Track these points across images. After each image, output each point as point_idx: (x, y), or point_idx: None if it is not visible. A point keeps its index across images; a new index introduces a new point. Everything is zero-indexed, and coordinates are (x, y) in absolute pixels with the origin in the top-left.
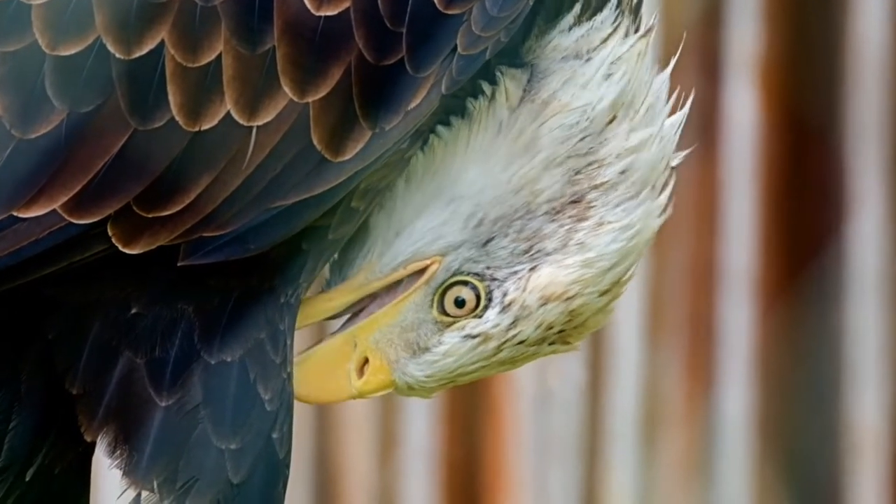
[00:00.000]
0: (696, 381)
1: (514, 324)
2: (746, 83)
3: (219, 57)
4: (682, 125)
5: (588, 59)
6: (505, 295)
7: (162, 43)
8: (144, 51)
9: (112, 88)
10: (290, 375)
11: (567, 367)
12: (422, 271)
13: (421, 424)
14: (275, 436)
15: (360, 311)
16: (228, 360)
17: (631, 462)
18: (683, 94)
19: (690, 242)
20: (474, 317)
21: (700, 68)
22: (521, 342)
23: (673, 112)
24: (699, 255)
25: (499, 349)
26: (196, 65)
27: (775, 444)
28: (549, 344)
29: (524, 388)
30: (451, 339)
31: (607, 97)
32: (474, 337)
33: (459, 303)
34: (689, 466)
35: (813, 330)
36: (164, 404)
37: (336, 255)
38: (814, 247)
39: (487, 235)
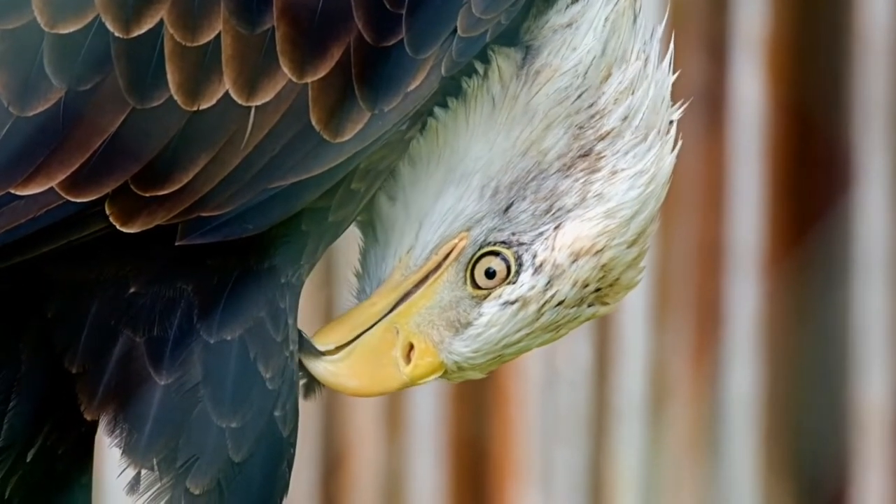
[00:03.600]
0: (702, 360)
1: (549, 284)
2: (753, 63)
3: (218, 36)
4: (671, 67)
5: (578, 26)
6: (535, 256)
7: (161, 22)
8: (143, 29)
9: (110, 67)
10: (292, 354)
11: (574, 347)
12: (451, 250)
13: (428, 404)
14: (277, 414)
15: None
16: (228, 338)
17: (637, 442)
18: (684, 21)
19: (697, 221)
20: (509, 283)
21: (707, 48)
22: (559, 303)
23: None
24: (705, 234)
25: (539, 312)
26: (195, 44)
27: (781, 423)
28: (588, 305)
29: (531, 369)
30: (490, 308)
31: (595, 50)
32: (513, 302)
33: (490, 274)
34: (696, 446)
35: (819, 308)
36: (163, 383)
37: (360, 259)
38: (820, 225)
39: (506, 202)
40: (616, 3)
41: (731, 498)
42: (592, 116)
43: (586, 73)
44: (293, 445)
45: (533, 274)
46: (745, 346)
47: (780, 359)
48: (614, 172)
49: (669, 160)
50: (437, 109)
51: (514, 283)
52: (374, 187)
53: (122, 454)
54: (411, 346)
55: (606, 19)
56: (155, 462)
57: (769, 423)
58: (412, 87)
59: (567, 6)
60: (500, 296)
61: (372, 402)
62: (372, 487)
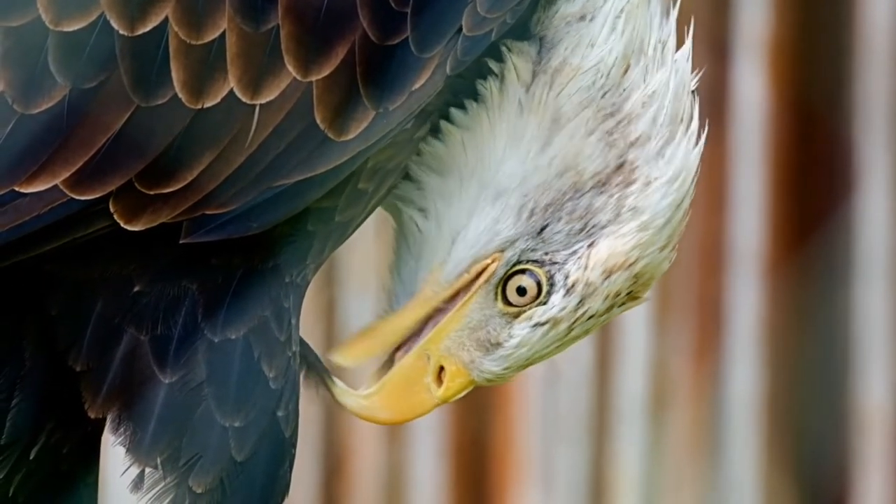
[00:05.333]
0: (703, 361)
1: (581, 303)
2: (755, 64)
3: (222, 34)
4: (691, 52)
5: (592, 19)
6: (567, 277)
7: (166, 20)
8: (148, 27)
9: (115, 65)
10: (295, 354)
11: (575, 347)
12: (483, 271)
13: None
14: (280, 414)
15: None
16: (232, 337)
17: (638, 442)
18: (688, 22)
19: (698, 222)
20: (540, 304)
21: (709, 49)
22: (590, 317)
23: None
24: (707, 235)
25: (570, 329)
26: (200, 42)
27: (782, 424)
28: (619, 306)
29: (532, 369)
30: (521, 330)
31: (616, 49)
32: (544, 324)
33: (521, 291)
34: (697, 446)
35: (820, 310)
36: (167, 381)
37: (393, 269)
38: (821, 227)
39: (541, 223)
40: None
41: (732, 499)
42: (620, 122)
43: (609, 72)
44: (294, 446)
45: (565, 295)
46: (747, 348)
47: (781, 360)
48: (648, 183)
49: (696, 153)
50: (454, 111)
51: (544, 303)
52: (383, 187)
53: (125, 452)
54: (441, 368)
55: (622, 11)
56: (159, 460)
57: (770, 425)
58: (417, 85)
59: None
60: (530, 317)
61: None
62: (373, 488)
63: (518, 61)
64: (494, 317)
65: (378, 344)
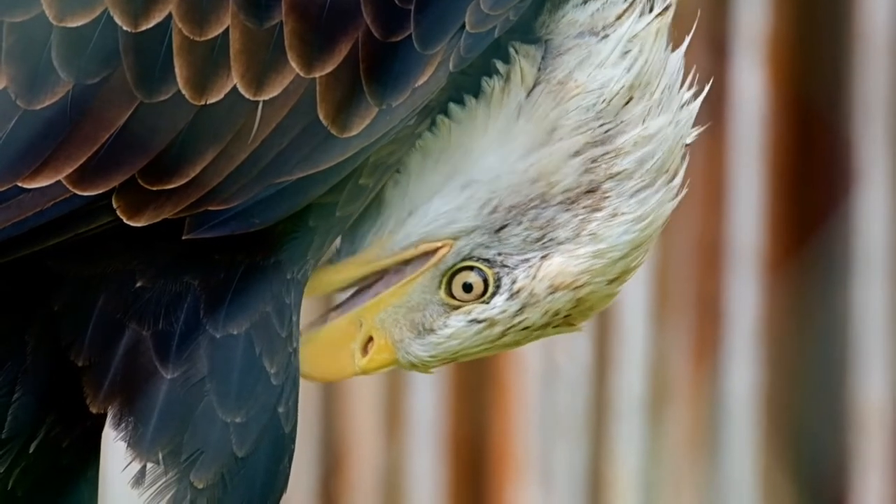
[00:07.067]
0: (702, 359)
1: (520, 310)
2: (754, 61)
3: (226, 31)
4: (697, 109)
5: (604, 37)
6: (514, 282)
7: (169, 16)
8: (152, 24)
9: (118, 61)
10: (296, 350)
11: (573, 344)
12: (431, 252)
13: (427, 401)
14: (280, 410)
15: (367, 289)
16: (234, 333)
17: (637, 440)
18: (697, 75)
19: (697, 220)
20: (481, 302)
21: (708, 46)
22: (526, 328)
23: (686, 91)
24: (706, 232)
25: (503, 334)
26: (203, 38)
27: (781, 422)
28: (554, 327)
29: (531, 365)
30: (456, 322)
31: (624, 78)
32: (480, 322)
33: (467, 287)
34: (695, 444)
35: (819, 308)
36: (169, 377)
37: (348, 227)
38: (820, 225)
39: (501, 222)
40: (648, 23)
41: (731, 497)
42: (607, 153)
43: (611, 100)
44: (294, 441)
45: (507, 299)
46: (746, 346)
47: (780, 358)
48: (614, 215)
49: (670, 206)
50: (452, 106)
51: (486, 303)
52: (383, 182)
53: (127, 447)
54: (370, 339)
55: (636, 37)
56: (160, 456)
57: (769, 423)
58: (420, 82)
59: (585, 0)
60: (469, 312)
61: (371, 399)
62: (372, 486)
63: (525, 64)
64: (434, 303)
65: (308, 290)
